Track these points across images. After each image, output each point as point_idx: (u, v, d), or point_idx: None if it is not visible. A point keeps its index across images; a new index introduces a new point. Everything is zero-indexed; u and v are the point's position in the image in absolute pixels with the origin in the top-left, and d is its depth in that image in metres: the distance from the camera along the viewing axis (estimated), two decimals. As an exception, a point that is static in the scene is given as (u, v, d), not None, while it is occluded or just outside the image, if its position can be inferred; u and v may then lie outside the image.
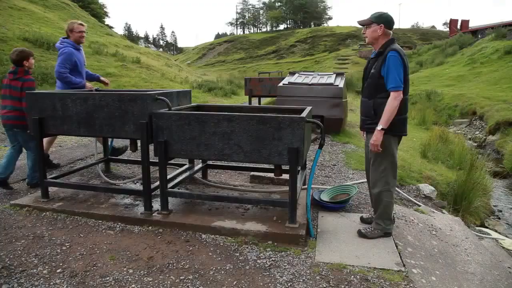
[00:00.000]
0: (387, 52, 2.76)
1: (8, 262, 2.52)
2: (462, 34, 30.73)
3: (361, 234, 3.00)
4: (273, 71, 22.66)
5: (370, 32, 2.85)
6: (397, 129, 2.84)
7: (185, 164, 4.24)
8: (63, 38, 4.48)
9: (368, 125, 2.94)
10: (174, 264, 2.55)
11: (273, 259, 2.62)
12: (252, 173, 4.29)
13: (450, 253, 3.00)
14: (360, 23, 2.95)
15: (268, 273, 2.46)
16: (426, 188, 4.79)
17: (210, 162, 4.33)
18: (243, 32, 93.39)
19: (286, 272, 2.47)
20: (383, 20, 2.79)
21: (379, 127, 2.78)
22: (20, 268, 2.45)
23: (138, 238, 2.91)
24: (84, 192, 3.71)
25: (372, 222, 3.11)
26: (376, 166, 2.95)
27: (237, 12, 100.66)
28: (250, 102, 10.26)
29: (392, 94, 2.72)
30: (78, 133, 3.30)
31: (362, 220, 3.28)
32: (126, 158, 4.91)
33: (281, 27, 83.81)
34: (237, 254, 2.68)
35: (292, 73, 8.08)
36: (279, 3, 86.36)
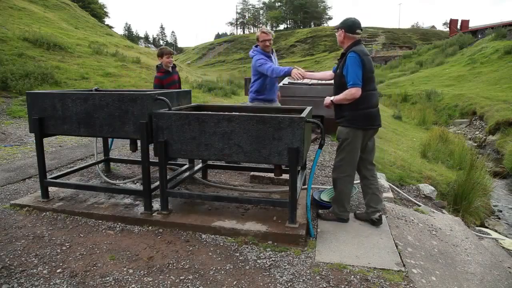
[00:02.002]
0: (347, 53, 3.00)
1: (8, 262, 2.52)
2: (462, 34, 30.73)
3: (318, 215, 3.33)
4: (273, 71, 22.56)
5: (337, 36, 3.17)
6: (359, 122, 3.04)
7: (185, 164, 4.24)
8: (255, 46, 4.44)
9: (336, 119, 3.19)
10: (174, 264, 2.55)
11: (273, 259, 2.62)
12: (252, 173, 4.29)
13: (450, 253, 3.00)
14: (332, 28, 3.30)
15: (268, 273, 2.46)
16: (426, 188, 4.79)
17: (210, 162, 4.33)
18: (243, 32, 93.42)
19: (286, 272, 2.46)
20: (343, 25, 3.08)
21: (331, 98, 3.12)
22: (20, 268, 2.45)
23: (138, 238, 2.91)
24: (84, 192, 3.71)
25: (366, 218, 3.26)
26: (337, 155, 3.19)
27: (237, 12, 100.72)
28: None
29: (350, 88, 2.98)
30: (78, 133, 3.30)
31: (356, 216, 3.36)
32: (126, 158, 4.92)
33: (281, 27, 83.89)
34: (237, 254, 2.68)
35: (292, 73, 8.06)
36: (279, 3, 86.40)
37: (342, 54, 3.10)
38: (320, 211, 3.35)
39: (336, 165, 3.20)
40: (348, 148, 3.08)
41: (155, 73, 4.73)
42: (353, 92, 2.94)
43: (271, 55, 4.34)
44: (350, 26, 3.04)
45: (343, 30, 3.07)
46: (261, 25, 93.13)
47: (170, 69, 4.64)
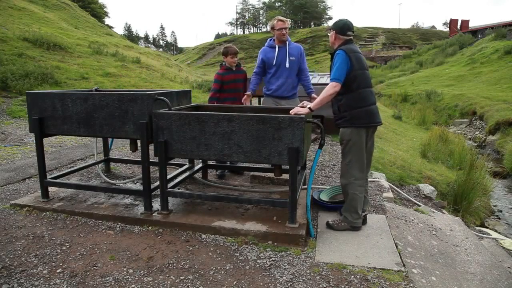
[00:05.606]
0: (335, 52, 3.04)
1: (8, 262, 2.52)
2: (462, 34, 30.74)
3: (328, 226, 3.13)
4: (273, 71, 22.56)
5: (330, 36, 3.19)
6: (360, 120, 2.97)
7: (185, 164, 4.24)
8: (269, 39, 4.32)
9: (336, 121, 3.10)
10: (174, 264, 2.55)
11: (273, 259, 2.62)
12: (252, 173, 4.29)
13: (450, 253, 3.00)
14: (326, 29, 3.28)
15: (268, 273, 2.46)
16: (426, 188, 4.79)
17: (210, 162, 4.33)
18: (243, 32, 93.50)
19: (286, 272, 2.46)
20: (334, 26, 3.11)
21: (309, 106, 3.06)
22: (20, 268, 2.45)
23: (138, 238, 2.91)
24: (84, 192, 3.71)
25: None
26: (343, 158, 3.10)
27: (237, 12, 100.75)
28: (250, 102, 10.26)
29: (330, 83, 2.94)
30: (78, 133, 3.30)
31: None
32: (126, 158, 4.91)
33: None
34: (237, 254, 2.68)
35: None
36: (279, 3, 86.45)
37: (332, 54, 3.07)
38: (330, 221, 3.14)
39: (343, 169, 3.07)
40: (353, 149, 2.98)
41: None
42: (332, 86, 2.90)
43: (284, 46, 4.05)
44: (341, 27, 3.05)
45: (334, 31, 3.09)
46: (261, 25, 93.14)
47: (233, 68, 4.48)
